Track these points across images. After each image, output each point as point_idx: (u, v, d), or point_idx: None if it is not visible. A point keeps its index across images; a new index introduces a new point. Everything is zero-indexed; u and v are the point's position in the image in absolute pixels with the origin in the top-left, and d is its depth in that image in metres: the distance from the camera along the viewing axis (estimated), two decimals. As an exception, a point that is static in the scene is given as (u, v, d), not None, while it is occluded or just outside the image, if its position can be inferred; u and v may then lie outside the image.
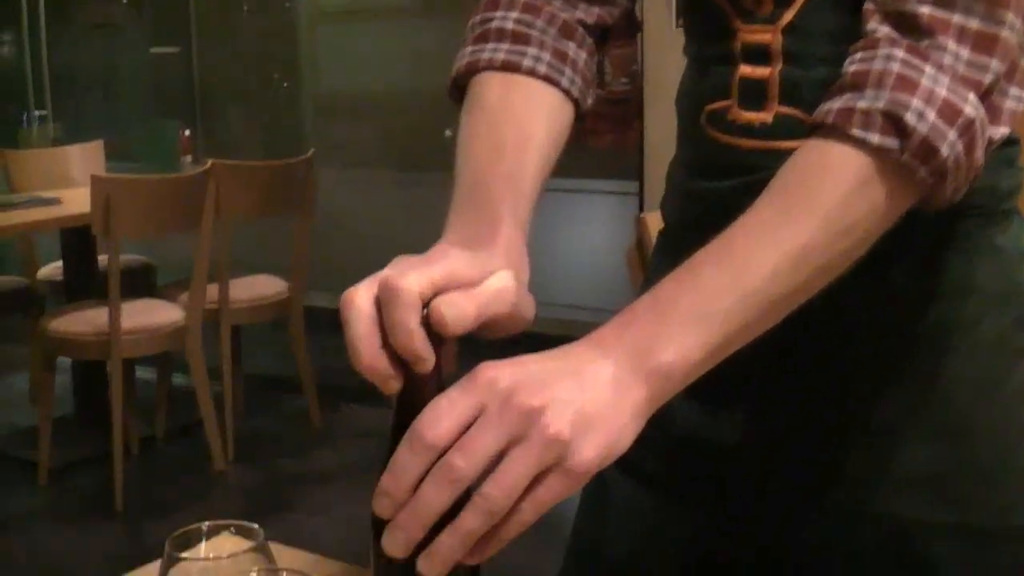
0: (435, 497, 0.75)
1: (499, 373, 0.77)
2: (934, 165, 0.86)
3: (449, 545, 0.75)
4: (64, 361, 4.35)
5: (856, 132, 0.86)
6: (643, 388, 0.79)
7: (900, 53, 0.88)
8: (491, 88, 1.06)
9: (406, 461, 0.76)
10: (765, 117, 1.04)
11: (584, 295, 5.19)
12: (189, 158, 4.96)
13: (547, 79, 1.06)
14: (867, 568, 1.07)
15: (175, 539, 0.86)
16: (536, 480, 0.75)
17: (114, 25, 7.22)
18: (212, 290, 4.10)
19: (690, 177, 1.15)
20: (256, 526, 0.88)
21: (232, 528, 0.88)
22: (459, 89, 1.09)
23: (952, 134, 0.86)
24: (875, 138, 0.86)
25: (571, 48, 1.09)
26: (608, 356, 0.80)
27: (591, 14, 1.13)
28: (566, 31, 1.10)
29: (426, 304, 0.80)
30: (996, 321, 1.06)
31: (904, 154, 0.85)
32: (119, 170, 4.54)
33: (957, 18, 0.89)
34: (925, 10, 0.89)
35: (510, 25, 1.08)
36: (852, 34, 0.97)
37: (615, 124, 4.98)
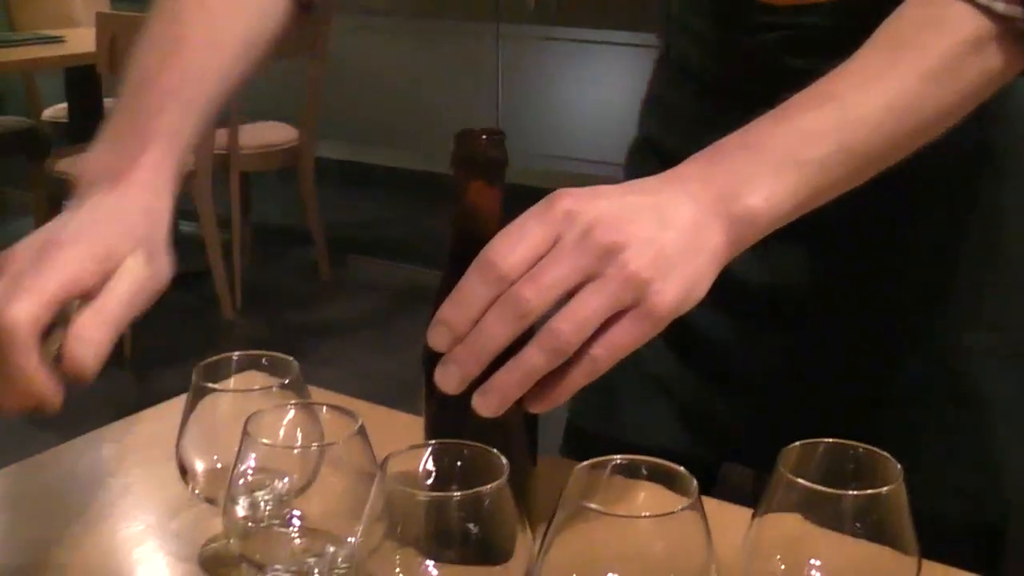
0: (498, 330, 0.68)
1: (578, 204, 0.70)
2: None
3: (508, 381, 0.69)
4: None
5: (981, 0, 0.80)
6: (725, 232, 0.73)
7: None
8: None
9: (473, 290, 0.69)
10: None
11: (603, 149, 5.10)
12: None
13: None
14: (920, 396, 1.05)
15: (203, 369, 0.80)
16: (609, 322, 0.69)
17: None
18: (221, 135, 4.01)
19: (715, 27, 1.08)
20: (291, 359, 0.81)
21: (264, 360, 0.82)
22: None
23: None
24: (1000, 5, 0.80)
25: None
26: (692, 194, 0.73)
27: None
28: None
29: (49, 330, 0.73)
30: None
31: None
32: (124, 10, 4.41)
33: None
34: None
35: None
36: None
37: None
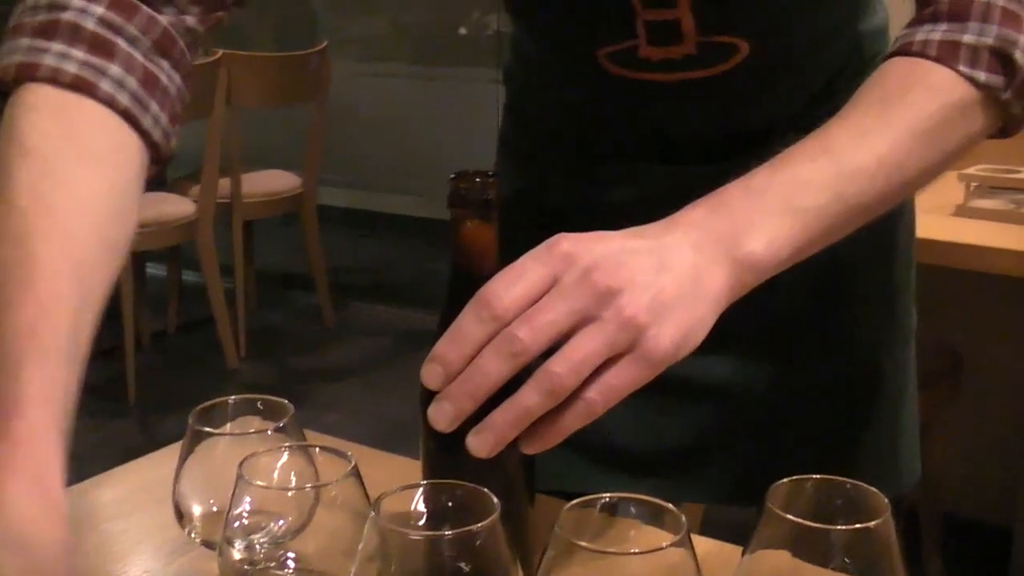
0: (492, 368, 0.68)
1: (578, 247, 0.71)
2: None
3: (503, 421, 0.69)
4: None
5: (963, 69, 0.84)
6: (725, 278, 0.74)
7: None
8: (45, 121, 0.80)
9: (468, 328, 0.70)
10: (687, 50, 0.99)
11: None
12: (200, 49, 4.86)
13: (126, 114, 0.83)
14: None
15: (200, 413, 0.81)
16: (605, 365, 0.69)
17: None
18: (223, 184, 4.04)
19: (576, 91, 1.09)
20: (285, 401, 0.82)
21: (260, 403, 0.83)
22: (2, 94, 0.82)
23: None
24: (982, 76, 0.84)
25: (165, 70, 0.86)
26: (693, 240, 0.74)
27: (207, 20, 0.91)
28: (164, 44, 0.86)
29: None
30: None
31: (1007, 92, 0.85)
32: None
33: None
34: None
35: (91, 25, 0.82)
36: None
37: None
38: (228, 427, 0.82)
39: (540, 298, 0.70)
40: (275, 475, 0.74)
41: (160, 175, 4.62)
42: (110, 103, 0.81)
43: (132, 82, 0.83)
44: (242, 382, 4.08)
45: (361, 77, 5.55)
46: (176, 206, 3.96)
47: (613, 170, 1.11)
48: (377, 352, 4.29)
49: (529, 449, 0.71)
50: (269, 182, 4.35)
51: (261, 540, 0.72)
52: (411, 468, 0.88)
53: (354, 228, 5.77)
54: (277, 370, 4.24)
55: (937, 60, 0.85)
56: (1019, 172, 2.27)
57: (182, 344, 4.43)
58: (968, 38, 0.85)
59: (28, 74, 0.80)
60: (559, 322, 0.69)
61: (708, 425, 1.12)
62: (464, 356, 0.69)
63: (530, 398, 0.68)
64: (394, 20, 5.97)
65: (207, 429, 0.79)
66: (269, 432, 0.80)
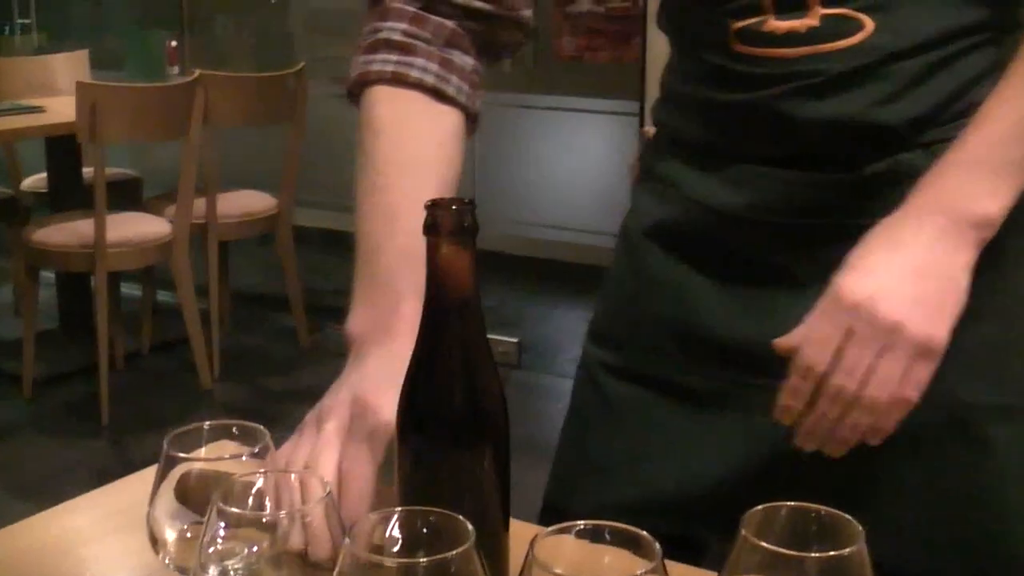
0: (833, 412, 0.96)
1: (857, 295, 0.94)
2: None
3: (844, 437, 0.98)
4: (49, 275, 4.28)
5: None
6: (971, 247, 0.94)
7: None
8: (382, 108, 1.13)
9: (799, 387, 0.97)
10: (811, 22, 1.03)
11: (585, 217, 5.14)
12: (176, 69, 4.85)
13: (434, 90, 1.12)
14: (929, 451, 1.06)
15: (174, 439, 0.80)
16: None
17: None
18: (199, 205, 4.03)
19: (717, 90, 1.12)
20: (260, 427, 0.82)
21: (235, 428, 0.83)
22: (354, 96, 1.16)
23: None
24: None
25: (456, 55, 1.15)
26: (935, 231, 0.94)
27: (479, 26, 1.17)
28: (454, 39, 1.15)
29: None
30: None
31: None
32: (106, 79, 4.44)
33: None
34: None
35: (397, 36, 1.14)
36: None
37: (614, 41, 4.90)
38: (203, 452, 0.82)
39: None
40: (250, 500, 0.74)
41: (136, 195, 4.62)
42: (419, 85, 1.11)
43: (433, 67, 1.12)
44: (216, 403, 4.07)
45: (338, 98, 5.55)
46: (151, 226, 3.95)
47: (739, 172, 1.12)
48: (352, 374, 4.28)
49: (872, 439, 0.98)
50: (245, 203, 4.34)
51: (235, 566, 0.72)
52: (384, 494, 0.88)
53: (330, 249, 5.75)
54: (252, 391, 4.22)
55: None
56: None
57: (156, 364, 4.41)
58: None
59: (364, 79, 1.13)
60: (868, 363, 0.93)
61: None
62: (803, 403, 0.98)
63: (861, 418, 0.97)
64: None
65: (181, 454, 0.79)
66: (244, 457, 0.80)
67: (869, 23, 1.02)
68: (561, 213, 5.25)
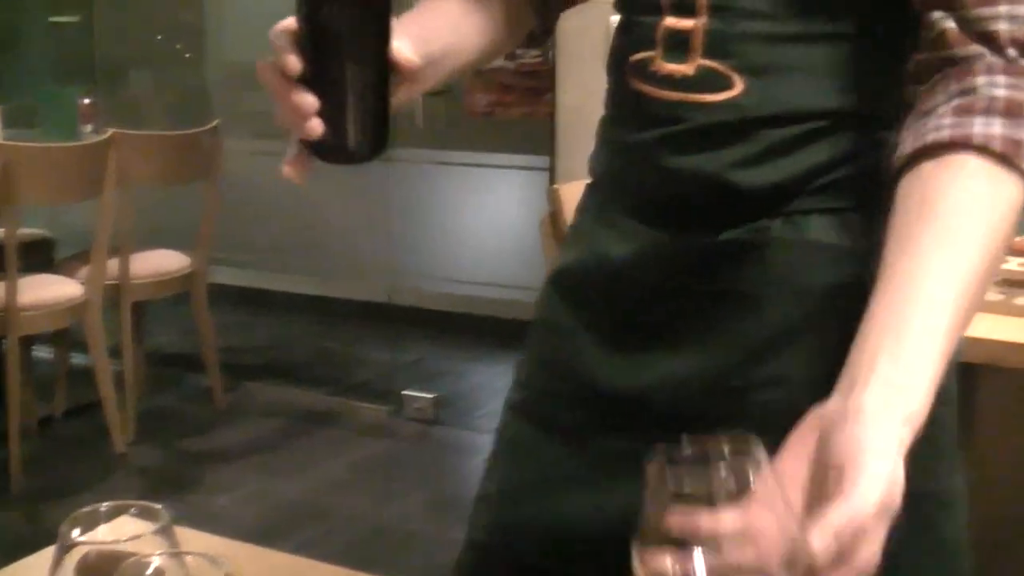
0: None
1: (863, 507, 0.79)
2: None
3: None
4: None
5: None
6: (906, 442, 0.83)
7: None
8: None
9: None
10: (687, 70, 1.06)
11: (500, 271, 5.16)
12: (90, 127, 4.81)
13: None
14: None
15: (71, 521, 0.80)
16: None
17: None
18: (113, 265, 3.99)
19: (614, 128, 1.17)
20: (159, 507, 0.82)
21: (134, 509, 0.83)
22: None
23: None
24: None
25: None
26: (891, 435, 0.82)
27: None
28: None
29: None
30: None
31: None
32: (18, 138, 4.40)
33: None
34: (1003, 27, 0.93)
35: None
36: None
37: (526, 97, 4.95)
38: (101, 532, 0.82)
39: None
40: None
41: (48, 255, 4.55)
42: None
43: None
44: (131, 467, 4.01)
45: (254, 154, 5.55)
46: (64, 289, 3.90)
47: (625, 225, 1.14)
48: (269, 433, 4.25)
49: None
50: (159, 262, 4.31)
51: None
52: (292, 565, 0.89)
53: (247, 307, 5.73)
54: (166, 454, 4.17)
55: (1003, 156, 0.88)
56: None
57: (70, 429, 4.35)
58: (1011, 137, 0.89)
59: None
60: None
61: None
62: None
63: None
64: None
65: (77, 538, 0.79)
66: (143, 537, 0.80)
67: (739, 83, 1.04)
68: (477, 268, 5.27)
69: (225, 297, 5.14)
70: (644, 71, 1.09)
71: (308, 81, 0.92)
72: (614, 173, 1.18)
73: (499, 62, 4.88)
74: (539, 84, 4.70)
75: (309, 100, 0.92)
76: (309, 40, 0.91)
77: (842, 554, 0.75)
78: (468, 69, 1.19)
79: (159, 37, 6.67)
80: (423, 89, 1.06)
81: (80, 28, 6.81)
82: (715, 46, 1.04)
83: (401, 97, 0.99)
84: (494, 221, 5.20)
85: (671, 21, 1.07)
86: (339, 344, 5.34)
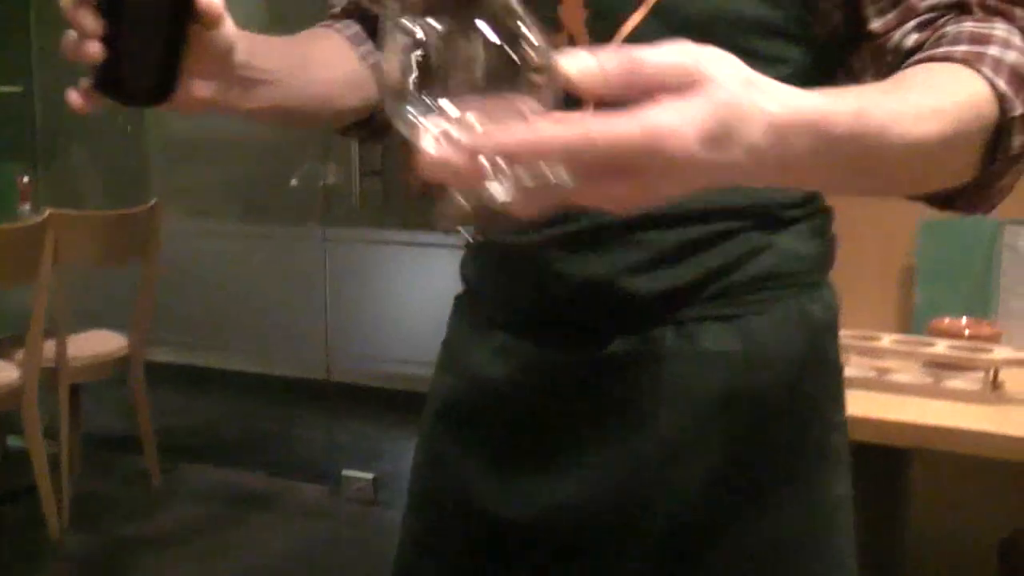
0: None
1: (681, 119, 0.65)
2: None
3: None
4: None
5: (986, 71, 0.84)
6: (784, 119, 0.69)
7: (1005, 25, 0.90)
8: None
9: None
10: None
11: (433, 349, 5.15)
12: (28, 206, 4.79)
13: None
14: None
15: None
16: None
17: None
18: (48, 347, 3.96)
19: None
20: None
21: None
22: None
23: None
24: (1001, 83, 0.84)
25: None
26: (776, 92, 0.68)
27: None
28: None
29: None
30: (807, 388, 1.07)
31: (1019, 109, 0.84)
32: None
33: None
34: None
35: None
36: None
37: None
38: None
39: None
40: None
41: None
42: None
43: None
44: (66, 555, 3.95)
45: (191, 233, 5.55)
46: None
47: (504, 340, 1.11)
48: (206, 516, 4.21)
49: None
50: (96, 344, 4.28)
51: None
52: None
53: (185, 385, 5.70)
54: (102, 539, 4.10)
55: (964, 61, 0.85)
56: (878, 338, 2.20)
57: (3, 515, 4.28)
58: (993, 51, 0.85)
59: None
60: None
61: None
62: None
63: None
64: (225, 172, 5.98)
65: None
66: None
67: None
68: (415, 345, 5.27)
69: (162, 375, 5.10)
70: None
71: (99, 8, 0.85)
72: (490, 281, 1.15)
73: (436, 144, 4.93)
74: (476, 164, 4.74)
75: (90, 22, 0.85)
76: None
77: (625, 168, 0.62)
78: (305, 114, 1.08)
79: (100, 110, 6.64)
80: (248, 103, 0.97)
81: (21, 98, 6.78)
82: None
83: (219, 96, 0.93)
84: (431, 298, 5.21)
85: None
86: (277, 423, 5.31)
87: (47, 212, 3.92)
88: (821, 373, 1.09)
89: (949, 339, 2.16)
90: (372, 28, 1.16)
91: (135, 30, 0.85)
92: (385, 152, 5.27)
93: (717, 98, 0.63)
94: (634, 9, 0.98)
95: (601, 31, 0.99)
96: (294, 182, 5.75)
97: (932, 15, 0.94)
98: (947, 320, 2.28)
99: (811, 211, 1.08)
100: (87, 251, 4.11)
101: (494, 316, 1.13)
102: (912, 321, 2.44)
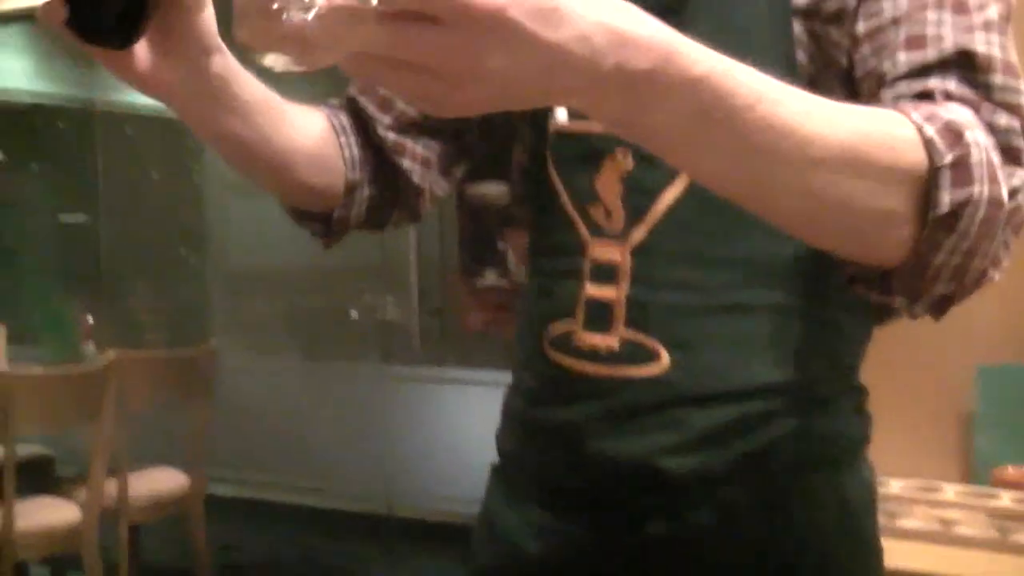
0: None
1: None
2: (959, 195, 0.77)
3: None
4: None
5: (916, 117, 0.79)
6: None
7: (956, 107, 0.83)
8: None
9: None
10: (610, 341, 1.01)
11: (476, 486, 5.13)
12: (91, 345, 4.89)
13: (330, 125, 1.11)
14: None
15: None
16: None
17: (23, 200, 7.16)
18: (110, 485, 4.00)
19: (529, 405, 1.11)
20: None
21: None
22: None
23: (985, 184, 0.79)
24: (930, 130, 0.78)
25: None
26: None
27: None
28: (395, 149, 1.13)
29: None
30: (843, 567, 1.06)
31: (948, 155, 0.77)
32: (20, 355, 4.46)
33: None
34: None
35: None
36: (704, 259, 0.98)
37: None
38: None
39: None
40: None
41: (48, 473, 4.55)
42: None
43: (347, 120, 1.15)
44: None
45: (251, 371, 5.60)
46: (61, 513, 3.89)
47: (540, 519, 1.10)
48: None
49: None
50: (156, 483, 4.30)
51: None
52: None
53: (245, 520, 5.70)
54: None
55: (897, 109, 0.81)
56: (941, 489, 2.17)
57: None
58: (932, 108, 0.81)
59: None
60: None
61: None
62: None
63: None
64: (285, 304, 6.05)
65: None
66: None
67: (666, 357, 0.99)
68: (473, 482, 5.24)
69: (223, 509, 5.11)
70: (565, 343, 1.04)
71: None
72: (526, 456, 1.13)
73: (492, 280, 4.97)
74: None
75: None
76: None
77: (436, 19, 0.59)
78: (264, 166, 1.05)
79: (163, 241, 6.77)
80: (211, 122, 0.98)
81: (86, 228, 6.91)
82: (638, 317, 1.00)
83: (184, 90, 0.93)
84: (490, 436, 5.20)
85: (592, 289, 1.02)
86: (338, 558, 5.29)
87: (111, 354, 3.98)
88: (858, 554, 1.09)
89: (1014, 489, 2.13)
90: (361, 127, 1.15)
91: None
92: (444, 291, 5.32)
93: None
94: (670, 185, 0.99)
95: (637, 205, 1.01)
96: (354, 314, 5.81)
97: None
98: (1010, 469, 2.25)
99: (847, 387, 1.08)
100: (149, 392, 4.17)
101: (529, 490, 1.12)
102: (973, 469, 2.41)
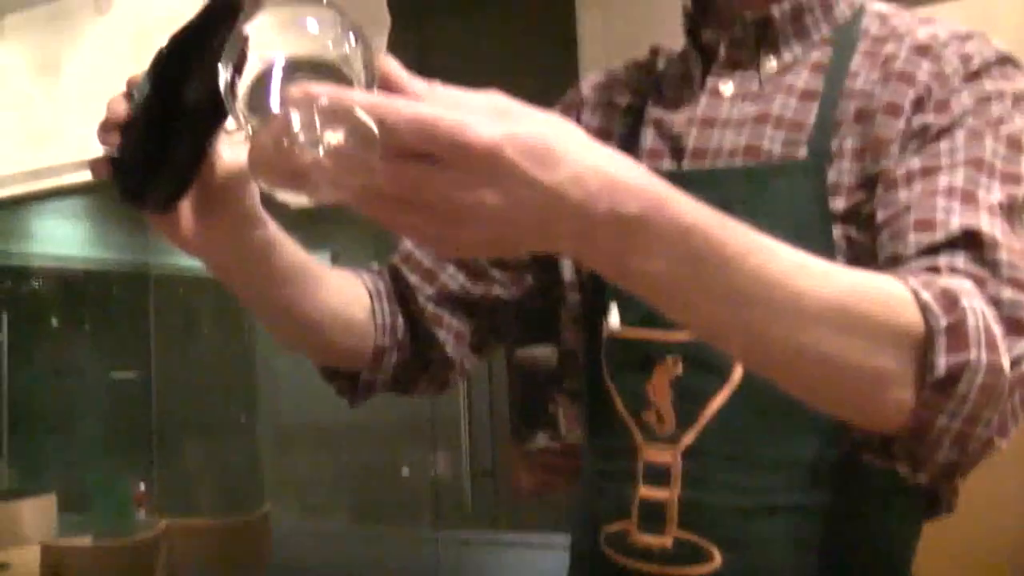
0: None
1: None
2: (955, 359, 0.79)
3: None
4: None
5: (912, 282, 0.81)
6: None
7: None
8: None
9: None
10: (664, 541, 1.02)
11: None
12: (143, 512, 4.90)
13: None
14: None
15: None
16: None
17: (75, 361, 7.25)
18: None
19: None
20: None
21: None
22: None
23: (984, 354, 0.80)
24: (926, 295, 0.80)
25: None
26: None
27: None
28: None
29: None
30: None
31: (945, 319, 0.79)
32: (71, 523, 4.47)
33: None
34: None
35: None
36: (752, 461, 1.00)
37: (572, 476, 4.98)
38: None
39: None
40: None
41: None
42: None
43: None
44: None
45: (300, 534, 5.58)
46: None
47: None
48: None
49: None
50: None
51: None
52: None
53: None
54: None
55: (894, 275, 0.83)
56: None
57: None
58: (931, 277, 0.84)
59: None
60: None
61: None
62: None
63: None
64: (335, 462, 6.04)
65: None
66: None
67: (718, 557, 1.01)
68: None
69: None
70: (620, 543, 1.06)
71: (130, 98, 0.87)
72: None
73: (543, 443, 4.96)
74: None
75: (119, 107, 0.86)
76: (155, 79, 0.86)
77: (430, 156, 0.63)
78: (295, 327, 1.08)
79: (214, 398, 6.81)
80: (249, 289, 1.01)
81: (138, 385, 6.97)
82: (691, 518, 1.02)
83: (224, 248, 0.95)
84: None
85: (646, 491, 1.04)
86: None
87: (162, 524, 3.99)
88: None
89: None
90: (400, 294, 1.18)
91: (155, 128, 0.86)
92: (495, 451, 5.30)
93: (546, 120, 0.66)
94: (719, 390, 1.01)
95: (687, 410, 1.03)
96: (405, 472, 5.80)
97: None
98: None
99: None
100: (201, 562, 4.16)
101: None
102: None
